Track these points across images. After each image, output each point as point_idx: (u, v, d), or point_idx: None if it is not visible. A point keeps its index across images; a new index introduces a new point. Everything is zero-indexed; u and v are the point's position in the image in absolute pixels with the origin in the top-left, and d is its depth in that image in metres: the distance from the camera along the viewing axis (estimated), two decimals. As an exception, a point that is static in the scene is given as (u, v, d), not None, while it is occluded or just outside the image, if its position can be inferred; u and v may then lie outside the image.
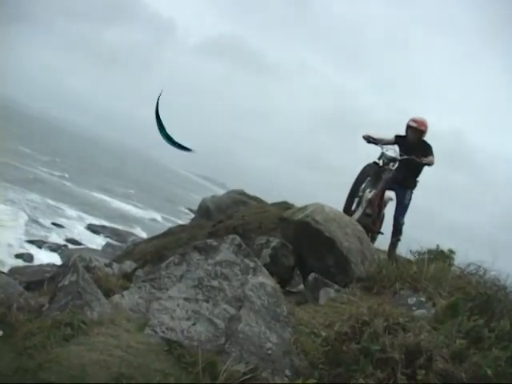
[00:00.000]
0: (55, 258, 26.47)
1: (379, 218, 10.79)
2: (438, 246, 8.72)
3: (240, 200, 19.73)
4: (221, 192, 26.93)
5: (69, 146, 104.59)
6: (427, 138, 10.38)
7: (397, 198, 10.57)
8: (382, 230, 10.99)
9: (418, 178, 10.50)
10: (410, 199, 10.46)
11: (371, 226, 10.38)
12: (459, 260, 8.22)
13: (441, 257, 8.41)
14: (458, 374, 4.26)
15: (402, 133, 10.52)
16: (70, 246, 31.31)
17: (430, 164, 9.99)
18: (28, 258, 25.36)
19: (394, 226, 10.38)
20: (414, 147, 10.11)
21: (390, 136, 10.67)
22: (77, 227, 37.52)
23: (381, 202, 10.63)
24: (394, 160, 10.11)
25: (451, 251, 8.70)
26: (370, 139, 10.40)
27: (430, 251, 8.52)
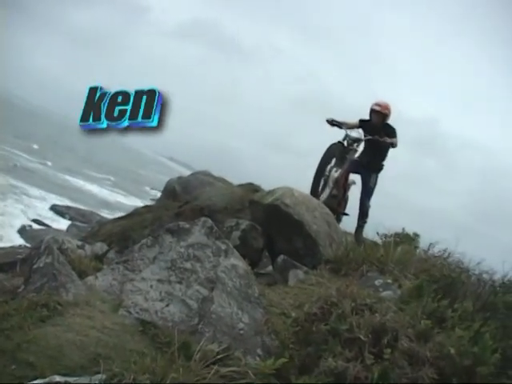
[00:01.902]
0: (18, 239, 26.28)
1: (344, 199, 10.78)
2: (403, 229, 8.87)
3: (206, 181, 19.63)
4: (187, 173, 26.78)
5: (39, 128, 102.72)
6: (391, 121, 10.32)
7: (362, 181, 10.50)
8: (347, 211, 10.99)
9: (384, 162, 10.42)
10: (375, 182, 10.42)
11: (336, 207, 10.36)
12: (425, 244, 8.33)
13: (407, 240, 8.55)
14: (422, 353, 4.38)
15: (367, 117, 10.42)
16: (35, 226, 30.91)
17: (393, 145, 10.02)
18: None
19: (360, 209, 10.37)
20: (378, 130, 10.08)
21: (355, 120, 10.61)
22: (40, 207, 37.04)
23: (346, 183, 10.58)
24: (358, 140, 10.22)
25: (416, 234, 8.87)
26: (333, 122, 10.41)
27: (396, 234, 8.65)
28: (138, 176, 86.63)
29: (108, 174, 70.27)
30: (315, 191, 9.65)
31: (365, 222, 10.34)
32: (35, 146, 69.30)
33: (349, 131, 10.24)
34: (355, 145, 10.21)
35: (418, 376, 4.12)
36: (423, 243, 8.53)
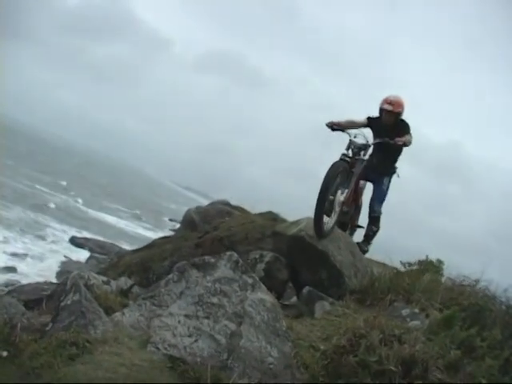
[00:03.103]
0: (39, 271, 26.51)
1: (356, 212, 9.91)
2: (427, 256, 8.75)
3: (225, 210, 19.70)
4: (204, 202, 26.87)
5: (64, 163, 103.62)
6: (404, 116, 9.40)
7: (373, 185, 9.69)
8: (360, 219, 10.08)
9: (397, 164, 9.65)
10: (388, 187, 9.64)
11: (349, 221, 9.74)
12: (450, 269, 8.25)
13: (431, 267, 8.48)
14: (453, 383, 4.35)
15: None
16: (54, 259, 31.08)
17: (406, 144, 8.97)
18: (12, 270, 25.35)
19: (369, 214, 9.65)
20: (390, 129, 9.15)
21: (362, 118, 9.62)
22: (59, 240, 37.27)
23: (356, 195, 9.48)
24: (364, 147, 8.79)
25: (440, 261, 8.75)
26: (333, 127, 9.09)
27: (420, 262, 8.58)
28: (157, 206, 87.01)
29: (126, 206, 70.65)
30: (319, 220, 7.98)
31: (374, 231, 9.70)
32: (63, 183, 70.10)
33: (352, 136, 8.87)
34: (362, 153, 8.75)
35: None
36: (447, 269, 8.45)
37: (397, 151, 9.40)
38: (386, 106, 9.25)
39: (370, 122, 9.56)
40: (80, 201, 60.36)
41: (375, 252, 10.01)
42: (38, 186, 59.55)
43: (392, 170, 9.65)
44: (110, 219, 56.48)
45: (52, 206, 49.71)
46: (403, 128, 9.21)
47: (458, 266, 7.96)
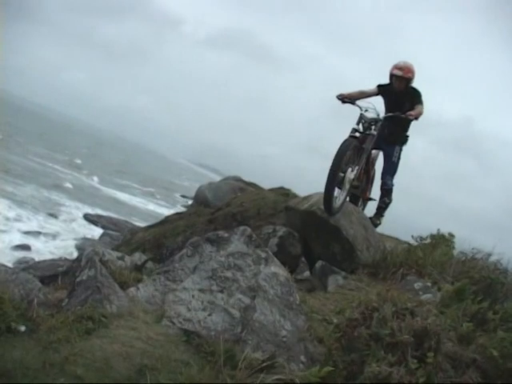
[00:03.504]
0: (52, 248, 26.72)
1: (368, 185, 9.83)
2: (438, 230, 8.73)
3: (237, 186, 19.78)
4: (217, 179, 26.92)
5: (74, 141, 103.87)
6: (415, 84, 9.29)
7: (384, 156, 9.61)
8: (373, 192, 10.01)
9: (408, 133, 9.52)
10: (398, 157, 9.51)
11: (361, 194, 9.77)
12: (463, 244, 8.24)
13: (442, 241, 8.47)
14: (465, 355, 4.38)
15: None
16: (67, 236, 31.27)
17: (417, 118, 8.90)
18: (26, 248, 25.51)
19: (381, 187, 9.58)
20: (401, 96, 9.19)
21: (372, 87, 9.53)
22: (74, 218, 37.45)
23: (368, 167, 9.41)
24: (375, 121, 8.61)
25: (451, 235, 8.72)
26: (344, 99, 9.06)
27: (432, 236, 8.56)
28: (170, 184, 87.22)
29: (139, 183, 70.88)
30: (329, 199, 7.87)
31: (387, 204, 9.62)
32: (78, 161, 70.42)
33: (363, 109, 8.69)
34: (373, 128, 8.58)
35: (462, 379, 4.11)
36: (460, 244, 8.43)
37: (408, 120, 9.17)
38: (396, 72, 9.13)
39: (381, 90, 9.49)
40: (95, 179, 60.60)
41: (389, 228, 9.99)
42: (50, 164, 59.85)
43: (403, 140, 9.56)
44: (124, 196, 56.69)
45: (68, 185, 49.96)
46: (415, 96, 9.16)
47: (472, 241, 7.96)
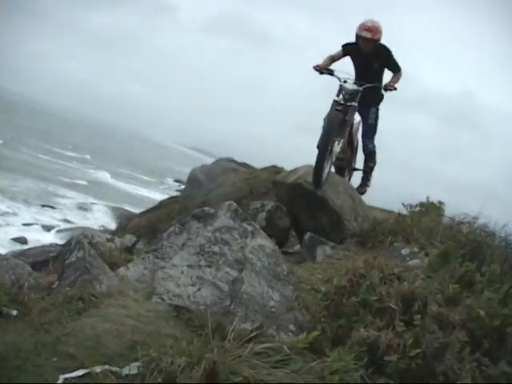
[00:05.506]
0: (51, 238, 26.72)
1: (353, 155, 9.68)
2: (427, 198, 8.75)
3: (230, 167, 19.80)
4: (210, 161, 26.89)
5: (76, 135, 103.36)
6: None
7: (362, 120, 9.26)
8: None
9: (382, 91, 8.96)
10: (376, 117, 9.18)
11: (346, 165, 9.62)
12: (452, 212, 8.27)
13: (432, 209, 8.51)
14: (452, 316, 4.43)
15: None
16: (63, 225, 31.28)
17: (398, 81, 8.64)
18: (23, 240, 25.54)
19: (363, 151, 9.36)
20: (370, 56, 8.75)
21: (338, 50, 9.01)
22: (68, 206, 37.45)
23: (351, 137, 9.09)
24: (356, 92, 8.20)
25: (441, 202, 8.77)
26: (321, 70, 8.64)
27: (421, 204, 8.60)
28: (164, 170, 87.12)
29: (132, 170, 70.82)
30: (319, 176, 7.86)
31: (371, 167, 9.43)
32: (87, 157, 70.63)
33: (342, 80, 8.34)
34: (354, 100, 8.22)
35: (450, 340, 4.16)
36: (451, 211, 8.45)
37: (380, 76, 8.97)
38: (365, 34, 8.60)
39: (346, 51, 9.01)
40: (107, 175, 60.62)
41: (384, 201, 9.97)
42: (61, 161, 60.08)
43: (378, 98, 9.20)
44: (116, 183, 56.79)
45: (82, 182, 50.16)
46: (385, 54, 8.85)
47: (462, 207, 8.00)
